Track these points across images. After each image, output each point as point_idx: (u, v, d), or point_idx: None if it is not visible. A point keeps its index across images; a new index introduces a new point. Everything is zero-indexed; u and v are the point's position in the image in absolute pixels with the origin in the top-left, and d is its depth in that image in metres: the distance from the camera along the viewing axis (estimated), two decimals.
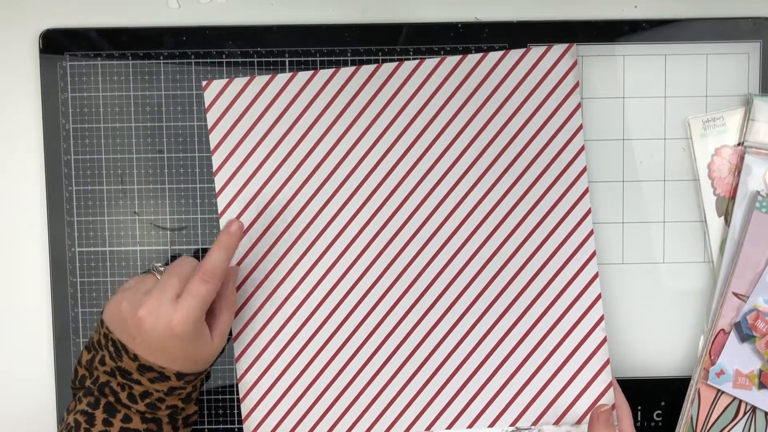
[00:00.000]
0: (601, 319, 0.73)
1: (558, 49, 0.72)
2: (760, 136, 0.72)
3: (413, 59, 0.73)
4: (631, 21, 0.73)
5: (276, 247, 0.73)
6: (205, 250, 0.74)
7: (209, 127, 0.73)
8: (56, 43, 0.73)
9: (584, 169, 0.72)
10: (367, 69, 0.72)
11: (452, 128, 0.73)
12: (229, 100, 0.73)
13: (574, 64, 0.72)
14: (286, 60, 0.73)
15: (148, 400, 0.66)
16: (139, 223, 0.74)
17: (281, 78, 0.73)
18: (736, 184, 0.72)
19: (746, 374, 0.71)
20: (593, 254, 0.73)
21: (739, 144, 0.73)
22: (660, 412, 0.75)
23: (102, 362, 0.66)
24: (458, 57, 0.72)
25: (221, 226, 0.74)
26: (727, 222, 0.73)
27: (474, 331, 0.73)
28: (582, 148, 0.72)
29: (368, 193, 0.73)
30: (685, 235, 0.74)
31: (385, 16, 0.74)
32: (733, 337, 0.71)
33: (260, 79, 0.73)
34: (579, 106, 0.72)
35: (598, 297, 0.73)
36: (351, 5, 0.74)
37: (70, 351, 0.75)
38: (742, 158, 0.72)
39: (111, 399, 0.66)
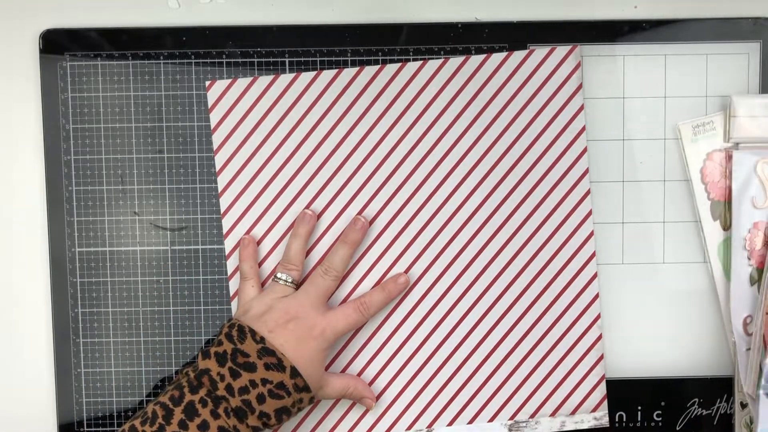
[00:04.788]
0: (598, 317, 0.73)
1: (561, 50, 0.72)
2: (743, 131, 0.72)
3: (416, 60, 0.73)
4: (631, 21, 0.73)
5: (279, 247, 0.73)
6: (204, 250, 0.74)
7: (212, 127, 0.73)
8: (56, 43, 0.73)
9: (586, 171, 0.73)
10: (370, 70, 0.72)
11: (455, 129, 0.73)
12: (232, 101, 0.73)
13: (578, 65, 0.72)
14: (286, 60, 0.73)
15: (245, 396, 0.65)
16: (139, 223, 0.74)
17: (284, 78, 0.73)
18: (730, 186, 0.72)
19: None
20: (593, 255, 0.73)
21: (725, 143, 0.73)
22: (660, 412, 0.75)
23: (218, 344, 0.67)
24: (461, 58, 0.72)
25: (223, 228, 0.74)
26: (723, 225, 0.73)
27: (475, 332, 0.74)
28: (584, 150, 0.72)
29: (371, 194, 0.73)
30: (685, 235, 0.74)
31: (385, 16, 0.74)
32: (765, 401, 0.70)
33: (263, 80, 0.73)
34: (582, 107, 0.72)
35: (596, 297, 0.73)
36: (351, 5, 0.74)
37: (70, 351, 0.75)
38: (731, 158, 0.72)
39: (203, 392, 0.65)
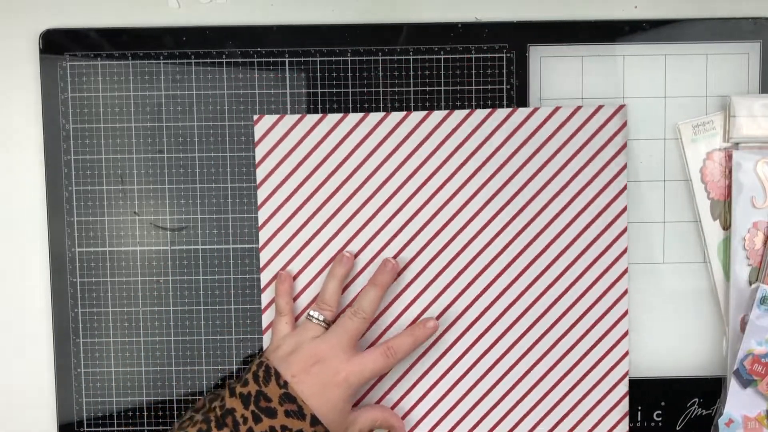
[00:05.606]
0: (626, 373, 0.74)
1: (608, 109, 0.72)
2: (743, 131, 0.72)
3: (463, 110, 0.73)
4: (631, 21, 0.73)
5: (314, 284, 0.74)
6: (204, 250, 0.74)
7: (257, 161, 0.73)
8: (56, 43, 0.73)
9: (625, 229, 0.73)
10: (417, 115, 0.73)
11: (497, 179, 0.73)
12: (278, 137, 0.73)
13: (624, 125, 0.72)
14: (286, 60, 0.73)
15: None
16: (139, 223, 0.74)
17: (332, 118, 0.73)
18: (730, 185, 0.72)
19: (754, 417, 0.72)
20: (625, 313, 0.73)
21: (725, 142, 0.73)
22: (660, 412, 0.75)
23: (244, 383, 0.67)
24: (508, 110, 0.72)
25: (261, 261, 0.74)
26: (722, 225, 0.73)
27: (511, 373, 0.74)
28: (625, 208, 0.73)
29: (411, 235, 0.73)
30: (685, 235, 0.74)
31: (385, 16, 0.74)
32: (735, 385, 0.72)
33: (310, 118, 0.73)
34: (625, 166, 0.72)
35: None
36: (351, 5, 0.74)
37: (70, 351, 0.75)
38: (731, 157, 0.72)
39: (226, 431, 0.65)
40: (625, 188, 0.73)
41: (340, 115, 0.73)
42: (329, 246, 0.73)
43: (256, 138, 0.73)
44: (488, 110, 0.73)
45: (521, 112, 0.72)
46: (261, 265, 0.74)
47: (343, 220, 0.73)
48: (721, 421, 0.72)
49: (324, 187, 0.73)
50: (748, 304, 0.72)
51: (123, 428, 0.75)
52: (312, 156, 0.73)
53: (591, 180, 0.73)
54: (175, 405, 0.75)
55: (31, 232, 0.75)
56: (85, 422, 0.75)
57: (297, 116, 0.73)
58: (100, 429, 0.75)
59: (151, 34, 0.73)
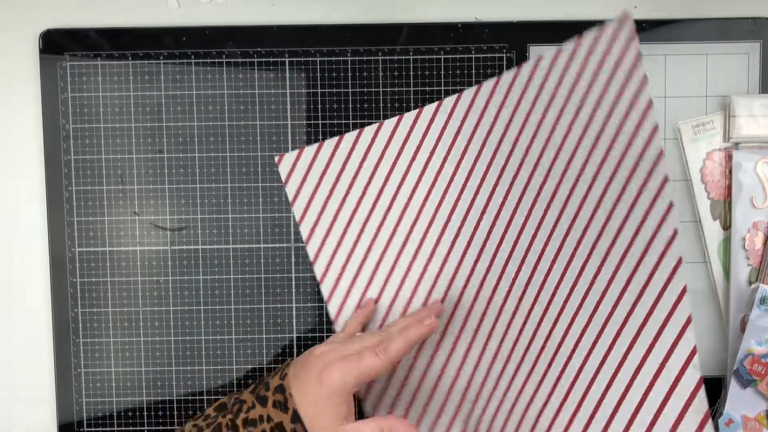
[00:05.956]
0: (694, 355, 0.66)
1: (612, 24, 0.66)
2: (743, 131, 0.72)
3: (471, 88, 0.72)
4: None
5: (380, 304, 0.74)
6: (204, 250, 0.74)
7: (290, 199, 0.74)
8: (56, 43, 0.73)
9: (666, 178, 0.65)
10: (429, 109, 0.72)
11: (531, 156, 0.69)
12: (305, 170, 0.73)
13: (633, 34, 0.65)
14: (286, 60, 0.74)
15: (250, 429, 0.65)
16: (139, 223, 0.75)
17: (349, 137, 0.73)
18: (730, 185, 0.73)
19: (754, 417, 0.72)
20: (684, 289, 0.65)
21: (725, 142, 0.73)
22: None
23: (263, 378, 0.68)
24: (514, 70, 0.69)
25: (323, 293, 0.74)
26: (722, 225, 0.73)
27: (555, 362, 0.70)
28: (661, 152, 0.64)
29: (454, 233, 0.72)
30: (685, 235, 0.74)
31: (385, 16, 0.74)
32: (734, 385, 0.72)
33: (329, 143, 0.73)
34: (645, 78, 0.64)
35: (695, 349, 0.65)
36: (351, 5, 0.74)
37: (70, 351, 0.75)
38: (731, 157, 0.72)
39: (229, 416, 0.66)
40: (656, 129, 0.63)
41: (355, 133, 0.73)
42: (383, 261, 0.73)
43: (283, 177, 0.74)
44: (495, 79, 0.70)
45: (542, 66, 0.68)
46: (326, 298, 0.74)
47: (388, 233, 0.73)
48: (721, 421, 0.72)
49: (360, 208, 0.73)
50: (748, 304, 0.72)
51: (123, 428, 0.75)
52: (341, 180, 0.73)
53: (611, 111, 0.66)
54: (175, 405, 0.75)
55: (31, 232, 0.75)
56: (85, 422, 0.75)
57: (315, 146, 0.73)
58: (100, 429, 0.75)
59: (151, 34, 0.73)
